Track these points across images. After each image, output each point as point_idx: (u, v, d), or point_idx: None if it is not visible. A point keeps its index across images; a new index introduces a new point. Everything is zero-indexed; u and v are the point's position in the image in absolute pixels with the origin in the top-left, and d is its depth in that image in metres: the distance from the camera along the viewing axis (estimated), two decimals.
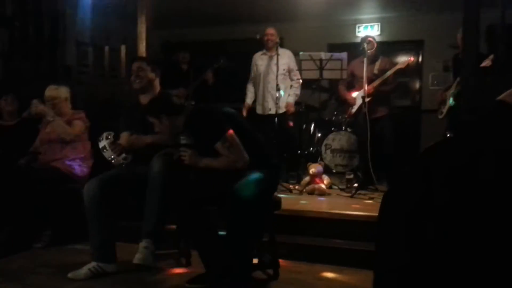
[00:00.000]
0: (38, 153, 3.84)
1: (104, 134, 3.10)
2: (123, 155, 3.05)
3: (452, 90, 4.75)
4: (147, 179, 2.91)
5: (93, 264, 2.89)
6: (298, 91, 5.51)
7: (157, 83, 3.34)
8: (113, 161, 3.05)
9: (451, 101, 4.76)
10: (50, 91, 3.85)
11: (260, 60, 5.44)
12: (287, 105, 5.35)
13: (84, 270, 2.86)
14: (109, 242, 2.96)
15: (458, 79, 4.67)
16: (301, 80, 5.44)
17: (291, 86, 5.47)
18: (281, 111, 5.16)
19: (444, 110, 4.86)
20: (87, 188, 2.91)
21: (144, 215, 2.85)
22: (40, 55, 5.19)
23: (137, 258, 2.73)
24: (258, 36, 5.60)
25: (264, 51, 5.50)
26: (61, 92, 3.89)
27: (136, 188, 2.99)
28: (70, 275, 2.85)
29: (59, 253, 3.43)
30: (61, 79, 4.57)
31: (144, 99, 3.24)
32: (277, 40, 5.36)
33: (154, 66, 3.34)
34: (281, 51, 5.26)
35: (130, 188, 3.02)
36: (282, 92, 5.14)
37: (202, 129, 2.78)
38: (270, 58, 5.39)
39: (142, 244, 2.78)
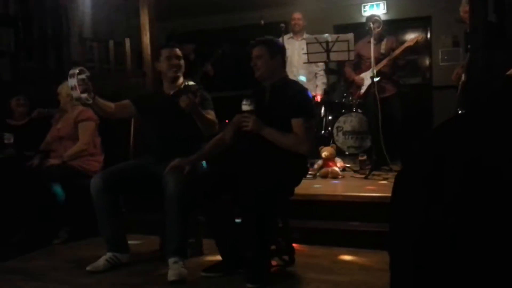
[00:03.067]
0: (49, 150, 3.86)
1: (77, 71, 2.87)
2: (85, 94, 2.87)
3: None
4: (152, 173, 2.93)
5: (109, 254, 2.94)
6: (324, 79, 5.56)
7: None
8: (77, 99, 2.95)
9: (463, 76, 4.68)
10: (67, 87, 3.89)
11: (287, 44, 5.36)
12: (316, 95, 5.40)
13: (102, 261, 2.91)
14: (120, 233, 3.01)
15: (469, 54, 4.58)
16: (325, 67, 5.46)
17: (315, 74, 5.49)
18: None
19: (459, 87, 4.79)
20: (92, 183, 2.92)
21: (167, 233, 2.83)
22: (46, 53, 5.20)
23: (170, 275, 2.68)
24: (262, 22, 5.56)
25: (291, 34, 5.49)
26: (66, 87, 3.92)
27: (141, 180, 3.00)
28: (89, 267, 2.88)
29: (77, 248, 3.46)
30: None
31: (167, 89, 3.17)
32: (304, 24, 5.47)
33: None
34: (307, 36, 5.26)
35: (135, 181, 3.01)
36: (303, 78, 5.23)
37: (291, 98, 2.74)
38: (297, 42, 5.39)
39: (172, 260, 2.75)
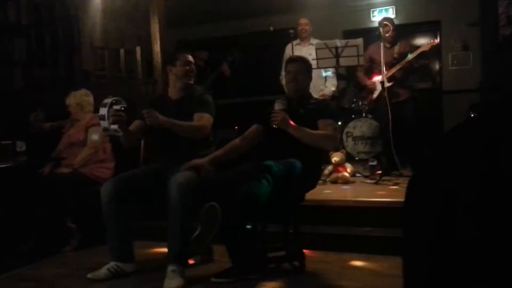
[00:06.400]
0: (61, 158, 3.89)
1: (110, 100, 2.83)
2: (115, 126, 2.82)
3: None
4: (163, 180, 2.86)
5: (112, 264, 2.90)
6: (335, 81, 5.55)
7: None
8: (104, 130, 2.90)
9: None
10: (74, 97, 3.94)
11: (295, 51, 5.37)
12: (323, 96, 5.35)
13: (103, 270, 2.87)
14: (127, 242, 2.96)
15: None
16: (335, 70, 5.43)
17: (326, 77, 5.48)
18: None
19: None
20: (103, 190, 2.89)
21: (168, 239, 2.80)
22: (57, 62, 5.26)
23: (166, 283, 2.66)
24: (271, 28, 5.59)
25: (298, 41, 5.52)
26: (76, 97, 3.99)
27: (152, 187, 2.97)
28: (90, 275, 2.85)
29: (88, 256, 3.46)
30: (80, 84, 4.62)
31: (173, 95, 3.20)
32: (311, 29, 5.52)
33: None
34: (315, 41, 5.28)
35: (147, 188, 2.99)
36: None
37: (317, 107, 3.02)
38: (304, 48, 5.40)
39: (170, 268, 2.72)
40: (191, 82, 3.17)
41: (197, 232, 2.59)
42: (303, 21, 5.54)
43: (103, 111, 2.80)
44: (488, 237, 0.98)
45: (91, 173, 3.74)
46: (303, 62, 3.13)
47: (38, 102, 4.45)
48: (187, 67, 3.14)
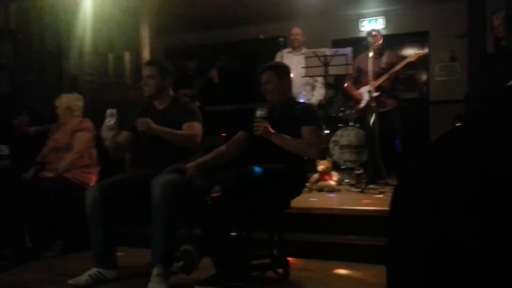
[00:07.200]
0: (45, 162, 3.85)
1: (112, 112, 2.96)
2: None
3: None
4: (149, 185, 2.83)
5: (93, 270, 2.87)
6: (322, 91, 5.53)
7: (169, 89, 3.23)
8: (111, 139, 2.97)
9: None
10: (65, 99, 3.93)
11: (285, 59, 5.36)
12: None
13: (84, 276, 2.83)
14: (110, 248, 2.94)
15: None
16: (323, 80, 5.44)
17: (313, 87, 5.48)
18: None
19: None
20: (88, 194, 2.89)
21: (152, 241, 2.77)
22: (45, 66, 5.22)
23: None
24: (261, 36, 5.60)
25: (290, 49, 5.51)
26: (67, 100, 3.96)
27: (137, 192, 2.93)
28: (71, 281, 2.81)
29: (70, 262, 3.42)
30: (67, 89, 4.59)
31: (158, 105, 3.21)
32: (303, 39, 5.51)
33: (166, 72, 3.17)
34: (306, 51, 5.29)
35: (132, 193, 2.97)
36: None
37: (301, 112, 2.94)
38: (296, 57, 5.41)
39: (155, 271, 2.70)
40: (147, 95, 3.18)
41: (180, 264, 2.70)
42: (296, 30, 5.53)
43: (111, 120, 2.93)
44: (481, 242, 0.98)
45: (75, 178, 3.70)
46: (272, 69, 3.09)
47: (24, 107, 4.41)
48: (142, 82, 3.19)
